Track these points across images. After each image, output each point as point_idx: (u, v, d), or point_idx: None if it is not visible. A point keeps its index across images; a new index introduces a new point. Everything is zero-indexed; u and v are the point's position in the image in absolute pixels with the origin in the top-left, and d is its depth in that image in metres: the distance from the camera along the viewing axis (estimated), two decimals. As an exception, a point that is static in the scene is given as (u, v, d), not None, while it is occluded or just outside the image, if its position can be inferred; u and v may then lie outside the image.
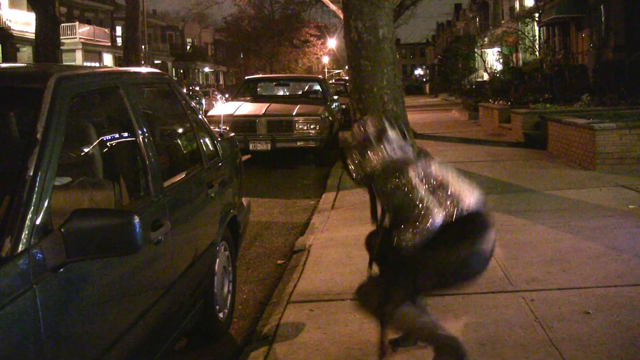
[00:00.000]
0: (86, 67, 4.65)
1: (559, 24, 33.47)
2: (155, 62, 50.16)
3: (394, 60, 12.06)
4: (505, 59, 34.26)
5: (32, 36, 23.51)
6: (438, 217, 3.00)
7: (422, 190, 3.03)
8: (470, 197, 3.11)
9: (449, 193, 3.06)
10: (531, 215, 6.75)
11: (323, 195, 8.92)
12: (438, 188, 3.06)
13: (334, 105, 14.61)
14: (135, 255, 2.62)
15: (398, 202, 3.08)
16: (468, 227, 3.10)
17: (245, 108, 12.79)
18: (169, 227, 3.14)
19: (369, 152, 3.11)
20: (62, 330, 2.20)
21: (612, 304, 4.17)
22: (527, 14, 34.30)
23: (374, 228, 3.49)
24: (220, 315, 4.21)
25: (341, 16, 14.93)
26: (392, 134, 3.18)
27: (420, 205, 3.00)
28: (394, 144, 3.15)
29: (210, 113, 13.12)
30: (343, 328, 4.02)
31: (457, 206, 3.04)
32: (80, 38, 42.50)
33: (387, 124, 3.20)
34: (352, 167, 3.19)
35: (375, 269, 3.47)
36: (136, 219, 2.32)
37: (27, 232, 2.15)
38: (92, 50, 44.07)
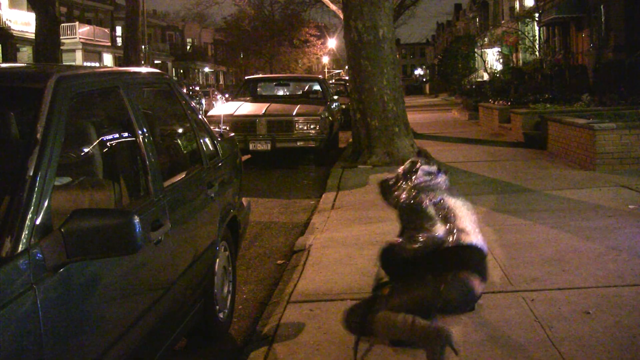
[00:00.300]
0: (86, 67, 4.65)
1: (559, 24, 33.46)
2: (155, 62, 50.16)
3: (394, 60, 12.07)
4: (505, 59, 34.26)
5: (32, 36, 23.54)
6: (441, 233, 3.32)
7: (433, 211, 3.39)
8: (474, 235, 3.41)
9: (457, 224, 3.38)
10: (531, 215, 6.75)
11: (323, 195, 8.92)
12: (450, 217, 3.40)
13: (334, 105, 14.61)
14: (135, 255, 2.62)
15: (410, 216, 3.45)
16: (462, 260, 3.28)
17: (245, 108, 12.78)
18: (169, 227, 3.15)
19: (403, 182, 3.63)
20: (62, 330, 2.20)
21: (612, 304, 4.17)
22: (527, 14, 34.30)
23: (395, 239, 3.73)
24: (220, 315, 4.21)
25: (341, 16, 14.96)
26: (426, 168, 3.66)
27: (429, 220, 3.35)
28: (425, 176, 3.61)
29: (210, 113, 13.11)
30: (343, 328, 4.02)
31: (459, 238, 3.34)
32: (80, 38, 42.50)
33: (424, 162, 3.71)
34: (388, 194, 3.71)
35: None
36: (136, 219, 2.32)
37: (27, 232, 2.15)
38: (92, 50, 44.08)
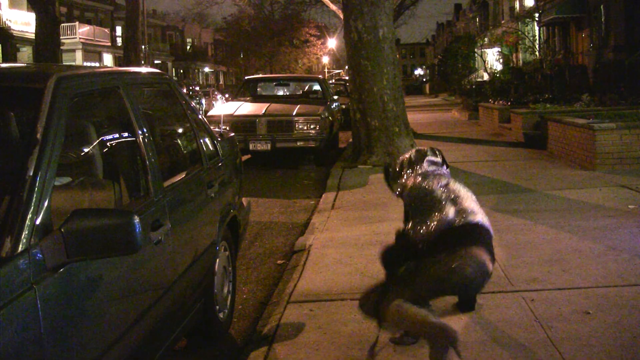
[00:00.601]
0: (86, 67, 4.65)
1: (559, 24, 33.46)
2: (155, 62, 50.15)
3: (394, 60, 12.07)
4: (505, 59, 34.23)
5: (32, 36, 23.54)
6: (450, 215, 3.36)
7: (441, 194, 3.45)
8: (481, 215, 3.46)
9: (464, 206, 3.43)
10: (531, 215, 6.75)
11: (323, 195, 8.92)
12: (457, 200, 3.46)
13: (334, 105, 14.61)
14: (135, 255, 2.62)
15: (418, 201, 3.49)
16: (472, 237, 3.31)
17: (245, 108, 12.78)
18: (169, 227, 3.15)
19: (408, 169, 3.69)
20: (62, 330, 2.20)
21: (612, 304, 4.17)
22: (527, 14, 34.29)
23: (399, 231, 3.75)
24: (220, 315, 4.21)
25: (341, 16, 14.96)
26: (432, 158, 3.74)
27: (437, 203, 3.40)
28: (432, 165, 3.70)
29: (210, 113, 13.11)
30: (343, 328, 4.02)
31: (467, 217, 3.39)
32: (80, 38, 42.51)
33: (429, 152, 3.78)
34: (393, 179, 3.78)
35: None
36: (136, 219, 2.32)
37: (27, 232, 2.14)
38: (92, 50, 44.07)
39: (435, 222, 3.33)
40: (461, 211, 3.39)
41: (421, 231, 3.35)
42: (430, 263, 3.31)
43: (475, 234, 3.37)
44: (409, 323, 3.26)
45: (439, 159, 3.77)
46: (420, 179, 3.58)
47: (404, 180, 3.66)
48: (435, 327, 3.14)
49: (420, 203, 3.46)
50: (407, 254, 3.49)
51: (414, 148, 3.88)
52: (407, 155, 3.80)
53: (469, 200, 3.49)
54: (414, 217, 3.47)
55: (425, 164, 3.68)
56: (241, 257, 5.98)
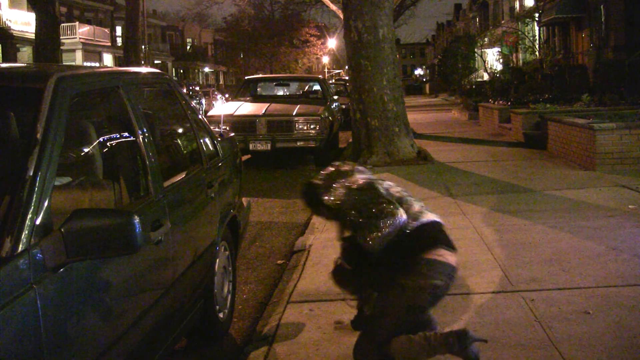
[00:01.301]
0: (86, 67, 4.65)
1: (559, 24, 33.45)
2: (155, 62, 50.15)
3: (394, 60, 12.07)
4: (505, 59, 34.21)
5: (32, 36, 23.54)
6: (401, 216, 3.10)
7: (386, 195, 3.18)
8: (429, 215, 3.25)
9: (411, 206, 3.22)
10: (531, 215, 6.75)
11: (323, 195, 8.90)
12: (402, 200, 3.22)
13: (334, 105, 14.61)
14: (135, 256, 2.62)
15: (362, 204, 3.17)
16: (430, 237, 3.18)
17: (245, 108, 12.79)
18: (169, 227, 3.15)
19: (341, 179, 3.32)
20: (62, 330, 2.20)
21: (612, 304, 4.17)
22: (527, 14, 34.29)
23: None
24: (220, 315, 4.21)
25: (341, 16, 14.96)
26: (360, 167, 3.44)
27: (384, 204, 3.12)
28: (363, 174, 3.38)
29: (210, 113, 13.11)
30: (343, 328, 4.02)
31: (418, 218, 3.18)
32: (80, 38, 42.51)
33: (355, 164, 3.48)
34: (324, 191, 3.33)
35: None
36: (136, 219, 2.32)
37: (27, 232, 2.14)
38: (92, 50, 44.07)
39: (388, 226, 3.05)
40: (410, 214, 3.16)
41: (375, 236, 3.06)
42: (395, 291, 3.10)
43: (432, 234, 3.20)
44: (420, 353, 3.17)
45: (367, 170, 3.49)
46: (360, 183, 3.27)
47: (340, 191, 3.27)
48: (445, 337, 3.12)
49: (365, 208, 3.14)
50: (360, 267, 3.38)
51: (337, 164, 3.49)
52: (332, 169, 3.44)
53: (414, 202, 3.27)
54: (361, 224, 3.14)
55: (358, 172, 3.37)
56: (241, 257, 5.98)
